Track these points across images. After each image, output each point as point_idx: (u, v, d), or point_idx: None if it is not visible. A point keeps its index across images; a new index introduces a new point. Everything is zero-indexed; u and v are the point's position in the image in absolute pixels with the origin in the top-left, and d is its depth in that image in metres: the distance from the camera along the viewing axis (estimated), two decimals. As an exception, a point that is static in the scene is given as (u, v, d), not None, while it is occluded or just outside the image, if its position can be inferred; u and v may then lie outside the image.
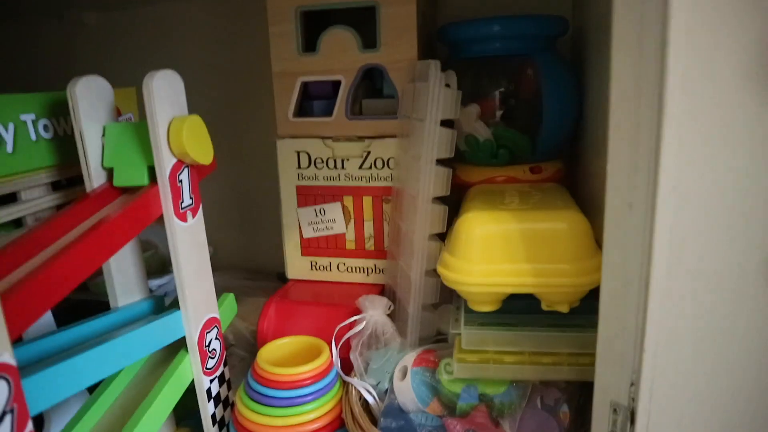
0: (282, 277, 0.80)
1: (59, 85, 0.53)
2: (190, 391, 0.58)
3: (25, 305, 0.38)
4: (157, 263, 0.86)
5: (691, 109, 0.35)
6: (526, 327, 0.53)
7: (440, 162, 0.58)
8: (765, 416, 0.41)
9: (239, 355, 0.76)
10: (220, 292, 0.61)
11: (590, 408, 0.45)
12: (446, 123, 0.59)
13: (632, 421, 0.42)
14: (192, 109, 0.53)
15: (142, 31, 0.95)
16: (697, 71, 0.34)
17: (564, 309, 0.51)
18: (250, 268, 0.96)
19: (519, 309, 0.54)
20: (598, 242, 0.51)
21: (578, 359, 0.51)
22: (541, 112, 0.65)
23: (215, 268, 0.59)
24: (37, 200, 0.56)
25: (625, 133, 0.38)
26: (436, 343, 0.62)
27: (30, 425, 0.33)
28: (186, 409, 0.64)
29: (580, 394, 0.53)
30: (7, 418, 0.32)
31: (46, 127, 0.56)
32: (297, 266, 0.76)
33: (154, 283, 0.80)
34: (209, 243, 0.58)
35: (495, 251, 0.50)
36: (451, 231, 0.54)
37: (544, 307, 0.51)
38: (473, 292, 0.51)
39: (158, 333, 0.54)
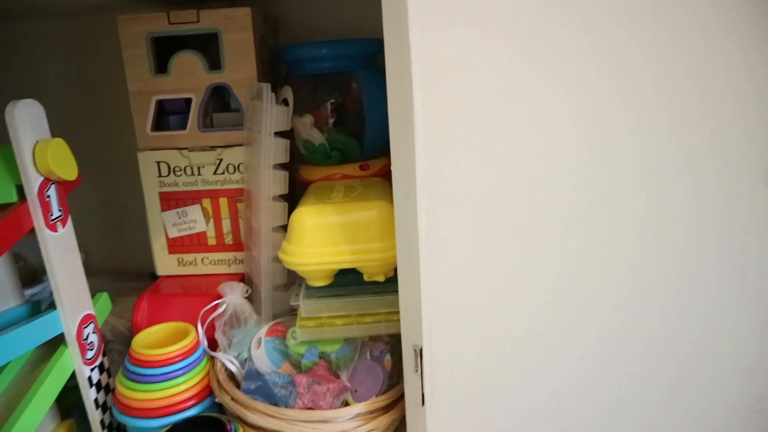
0: (154, 276, 0.88)
1: None
2: (75, 388, 0.66)
3: None
4: (27, 274, 0.91)
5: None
6: (353, 296, 0.66)
7: (279, 166, 0.70)
8: (517, 333, 0.56)
9: (118, 349, 0.83)
10: (94, 294, 0.69)
11: (404, 353, 0.59)
12: (286, 133, 0.71)
13: (421, 357, 0.56)
14: (56, 124, 0.60)
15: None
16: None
17: (380, 278, 0.65)
18: (122, 271, 1.02)
19: (347, 282, 0.67)
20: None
21: (392, 317, 0.65)
22: (364, 118, 0.78)
23: (89, 274, 0.66)
24: None
25: (400, 139, 0.51)
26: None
27: None
28: (70, 405, 0.71)
29: (399, 344, 0.67)
30: None
31: None
32: (165, 264, 0.84)
33: (27, 292, 0.86)
34: (81, 250, 0.65)
35: (321, 237, 0.63)
36: (289, 223, 0.66)
37: (366, 278, 0.65)
38: (307, 271, 0.64)
39: (37, 330, 0.61)
